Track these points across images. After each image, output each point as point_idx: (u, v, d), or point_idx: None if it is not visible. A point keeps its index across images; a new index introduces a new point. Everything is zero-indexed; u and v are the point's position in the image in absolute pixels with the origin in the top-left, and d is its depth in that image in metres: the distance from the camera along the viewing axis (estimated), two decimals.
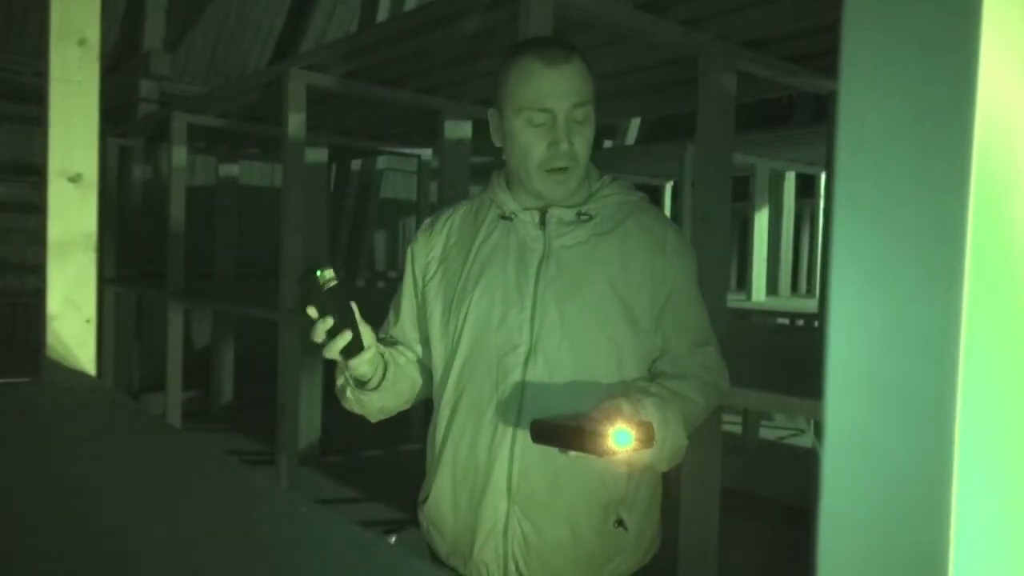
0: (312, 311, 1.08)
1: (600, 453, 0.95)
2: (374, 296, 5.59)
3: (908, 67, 0.22)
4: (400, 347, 1.30)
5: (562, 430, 0.99)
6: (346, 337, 1.08)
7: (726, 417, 4.51)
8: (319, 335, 1.08)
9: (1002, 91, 0.21)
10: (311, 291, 1.07)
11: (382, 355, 1.20)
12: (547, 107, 1.14)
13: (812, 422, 4.91)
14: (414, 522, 1.36)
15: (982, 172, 0.21)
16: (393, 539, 3.28)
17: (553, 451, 1.03)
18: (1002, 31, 0.21)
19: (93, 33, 1.15)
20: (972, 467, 0.22)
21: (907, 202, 0.22)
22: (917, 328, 0.22)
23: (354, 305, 1.10)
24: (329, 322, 1.07)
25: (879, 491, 0.24)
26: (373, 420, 1.28)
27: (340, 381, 1.20)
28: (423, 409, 1.40)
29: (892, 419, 0.23)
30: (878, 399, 0.23)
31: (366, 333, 1.12)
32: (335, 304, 1.07)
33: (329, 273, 1.07)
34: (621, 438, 0.95)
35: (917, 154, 0.22)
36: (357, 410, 1.24)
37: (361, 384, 1.19)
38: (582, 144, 1.17)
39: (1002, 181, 0.22)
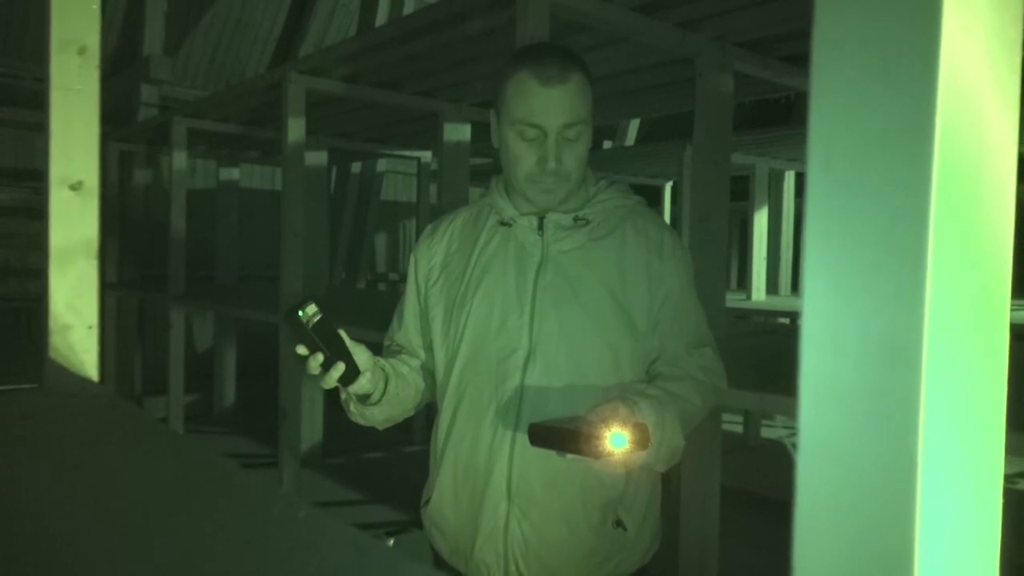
0: (302, 349, 1.08)
1: (596, 456, 0.95)
2: (375, 298, 5.60)
3: (873, 88, 0.23)
4: (403, 355, 1.31)
5: (558, 433, 1.00)
6: (339, 368, 1.09)
7: (727, 416, 4.52)
8: (313, 370, 1.09)
9: (961, 111, 0.22)
10: (297, 330, 1.07)
11: (383, 369, 1.21)
12: (538, 124, 1.15)
13: None
14: (417, 524, 1.37)
15: (943, 190, 0.22)
16: (391, 541, 3.28)
17: (551, 452, 1.04)
18: (959, 56, 0.22)
19: (93, 42, 1.16)
20: (935, 472, 0.23)
21: (873, 220, 0.23)
22: (884, 340, 0.23)
23: (343, 333, 1.10)
24: (320, 357, 1.08)
25: (850, 496, 0.25)
26: (380, 428, 1.29)
27: (343, 396, 1.21)
28: (425, 412, 1.41)
29: (861, 427, 0.24)
30: (848, 409, 0.24)
31: (360, 356, 1.12)
32: (322, 338, 1.07)
33: (312, 309, 1.06)
34: (616, 440, 0.96)
35: (882, 173, 0.23)
36: (362, 423, 1.25)
37: (363, 399, 1.20)
38: (572, 160, 1.18)
39: (962, 198, 0.23)
